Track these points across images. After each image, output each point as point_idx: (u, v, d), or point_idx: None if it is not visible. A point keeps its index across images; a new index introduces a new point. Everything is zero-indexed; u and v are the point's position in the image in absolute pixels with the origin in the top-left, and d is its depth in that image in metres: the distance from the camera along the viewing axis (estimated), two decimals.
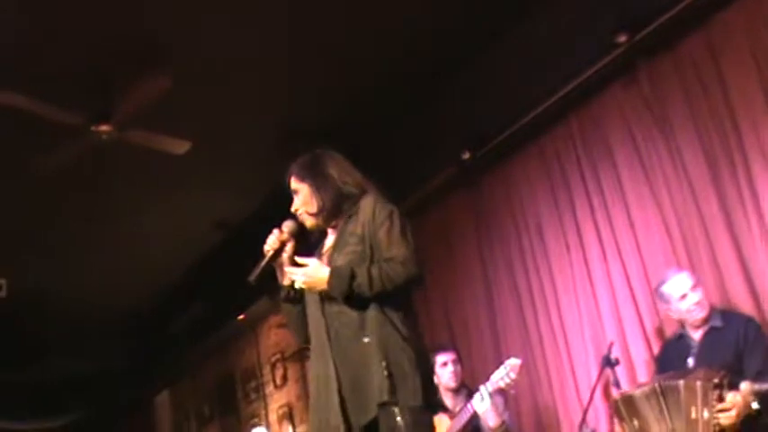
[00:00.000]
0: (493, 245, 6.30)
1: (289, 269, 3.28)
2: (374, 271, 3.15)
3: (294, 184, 3.50)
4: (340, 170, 3.48)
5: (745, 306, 4.65)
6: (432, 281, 6.75)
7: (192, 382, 10.84)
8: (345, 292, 3.14)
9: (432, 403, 3.24)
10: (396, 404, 3.04)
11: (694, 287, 4.50)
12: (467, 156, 6.16)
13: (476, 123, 6.10)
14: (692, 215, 4.97)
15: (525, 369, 5.55)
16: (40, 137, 5.81)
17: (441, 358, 5.30)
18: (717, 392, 3.97)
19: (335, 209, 3.43)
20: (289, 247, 3.46)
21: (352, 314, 3.19)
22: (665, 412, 4.12)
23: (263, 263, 3.41)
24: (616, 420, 4.50)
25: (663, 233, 5.12)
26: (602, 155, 5.54)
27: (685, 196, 5.01)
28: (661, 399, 4.15)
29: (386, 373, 3.06)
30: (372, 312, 3.17)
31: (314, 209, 3.44)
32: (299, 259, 3.28)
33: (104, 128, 5.65)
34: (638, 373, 5.14)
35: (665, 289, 4.61)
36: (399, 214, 3.33)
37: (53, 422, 11.31)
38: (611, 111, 5.50)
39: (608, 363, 4.88)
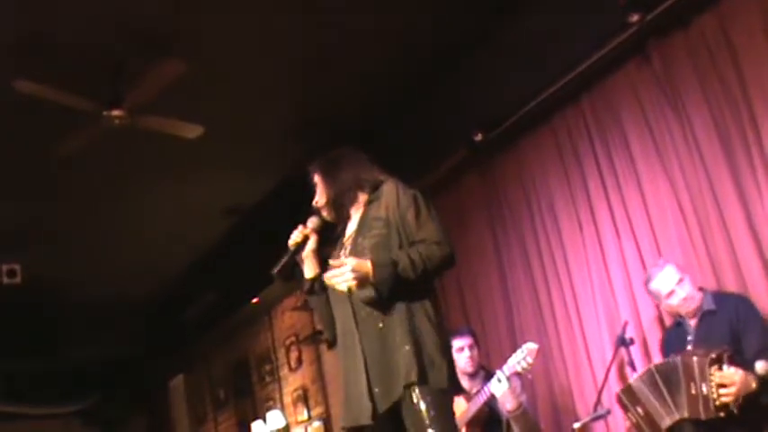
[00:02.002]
0: (506, 226, 6.31)
1: (329, 275, 3.17)
2: (413, 254, 3.16)
3: (315, 179, 3.60)
4: (355, 166, 3.54)
5: (759, 283, 4.65)
6: None
7: (206, 367, 10.90)
8: (392, 280, 3.13)
9: (456, 385, 3.26)
10: (421, 385, 3.07)
11: (680, 281, 4.49)
12: (479, 137, 6.17)
13: (488, 105, 6.09)
14: (706, 192, 4.96)
15: (539, 350, 5.56)
16: (52, 123, 5.83)
17: (457, 343, 5.30)
18: (715, 367, 3.99)
19: (344, 200, 3.49)
20: (312, 242, 3.53)
21: (380, 300, 3.20)
22: (665, 393, 4.14)
23: (287, 257, 3.48)
24: (622, 412, 4.52)
25: (676, 211, 5.11)
26: (614, 134, 5.53)
27: (698, 174, 5.00)
28: (659, 380, 4.18)
29: (414, 356, 3.09)
30: (399, 298, 3.19)
31: (323, 200, 3.54)
32: (332, 262, 3.23)
33: (117, 113, 5.66)
34: (652, 352, 5.14)
35: (653, 286, 4.63)
36: (423, 197, 3.36)
37: (69, 407, 11.39)
38: (624, 90, 5.49)
39: (622, 342, 4.89)
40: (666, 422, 4.16)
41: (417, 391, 3.08)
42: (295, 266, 3.54)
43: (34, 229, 7.71)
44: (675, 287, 4.49)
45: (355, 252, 3.31)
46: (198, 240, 8.68)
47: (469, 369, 5.27)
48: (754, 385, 3.97)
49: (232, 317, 9.52)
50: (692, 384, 4.03)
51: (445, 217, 6.67)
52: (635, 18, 5.08)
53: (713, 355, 4.01)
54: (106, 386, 11.31)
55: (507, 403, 4.85)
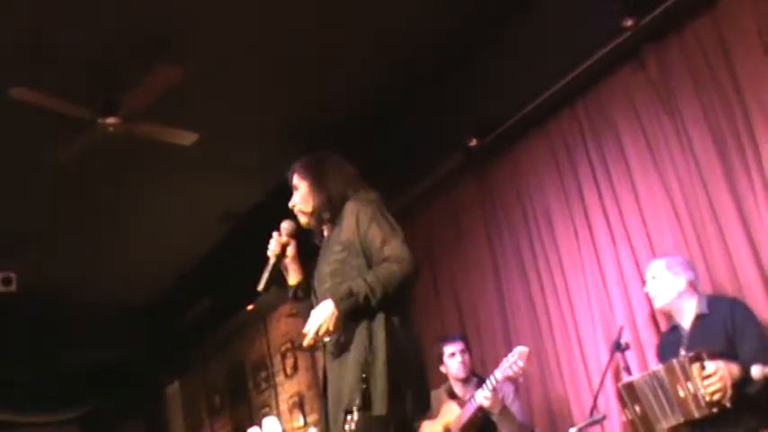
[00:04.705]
0: (501, 231, 6.30)
1: (307, 339, 3.20)
2: (371, 279, 3.15)
3: (296, 180, 3.60)
4: (339, 175, 3.54)
5: (755, 287, 4.63)
6: (441, 268, 6.78)
7: (202, 373, 10.88)
8: (355, 307, 3.13)
9: (421, 410, 3.23)
10: (360, 410, 3.05)
11: (656, 277, 4.51)
12: (474, 143, 6.16)
13: (482, 110, 6.09)
14: (701, 197, 4.95)
15: (535, 355, 5.56)
16: (48, 131, 5.83)
17: (448, 349, 5.32)
18: (696, 365, 3.96)
19: (324, 215, 3.50)
20: (290, 249, 3.58)
21: (345, 330, 3.21)
22: (662, 397, 4.13)
23: (268, 269, 3.51)
24: (620, 407, 4.50)
25: (671, 216, 5.10)
26: (609, 139, 5.52)
27: (693, 179, 4.99)
28: (656, 384, 4.16)
29: (359, 381, 3.09)
30: (361, 326, 3.18)
31: (309, 208, 3.54)
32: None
33: (112, 120, 5.66)
34: (648, 357, 5.13)
35: None
36: (382, 210, 3.35)
37: (65, 414, 11.38)
38: (619, 95, 5.48)
39: (618, 347, 4.87)
40: (662, 425, 4.14)
41: (352, 416, 3.04)
42: (279, 275, 3.57)
43: (30, 237, 7.70)
44: (649, 278, 4.56)
45: (318, 279, 3.41)
46: (193, 246, 8.67)
47: (461, 374, 5.27)
48: (737, 371, 3.94)
49: (228, 323, 9.51)
50: (679, 387, 4.02)
51: (440, 222, 6.75)
52: (629, 23, 5.07)
53: (691, 354, 4.01)
54: (102, 393, 11.29)
55: (494, 408, 4.88)
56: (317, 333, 3.16)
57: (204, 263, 9.03)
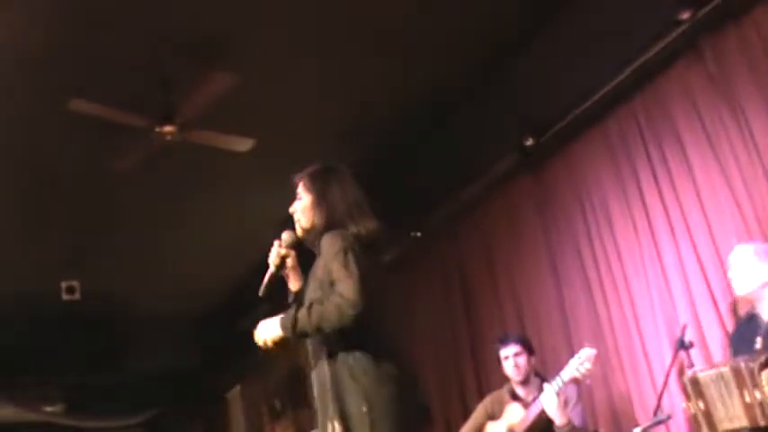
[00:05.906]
0: (559, 230, 6.25)
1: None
2: (312, 310, 3.19)
3: (301, 189, 3.59)
4: (342, 198, 3.49)
5: None
6: (498, 268, 6.74)
7: (262, 377, 10.92)
8: (291, 332, 3.27)
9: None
10: None
11: (740, 263, 4.32)
12: (530, 142, 6.13)
13: (538, 108, 6.05)
14: (764, 189, 4.84)
15: (597, 354, 5.49)
16: (105, 142, 5.91)
17: (502, 352, 5.26)
18: (766, 371, 3.79)
19: (318, 236, 3.46)
20: (289, 260, 3.67)
21: (318, 358, 3.31)
22: (727, 399, 4.00)
23: (268, 277, 3.63)
24: (684, 398, 4.38)
25: (734, 210, 5.00)
26: (667, 134, 5.45)
27: (756, 171, 4.89)
28: (722, 383, 4.01)
29: (336, 419, 3.12)
30: (325, 354, 3.28)
31: (307, 224, 3.53)
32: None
33: (168, 129, 5.72)
34: (713, 355, 5.03)
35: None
36: (352, 247, 3.28)
37: (128, 421, 11.51)
38: (676, 89, 5.41)
39: (682, 346, 4.76)
40: (725, 426, 4.01)
41: None
42: (282, 281, 3.67)
43: (92, 246, 7.82)
44: (733, 263, 4.35)
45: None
46: (253, 252, 8.69)
47: (517, 377, 5.19)
48: None
49: None
50: (746, 392, 3.86)
51: (497, 222, 6.71)
52: (686, 15, 5.01)
53: (762, 360, 3.85)
54: (164, 399, 11.41)
55: (556, 419, 4.79)
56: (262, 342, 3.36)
57: (263, 268, 9.06)
